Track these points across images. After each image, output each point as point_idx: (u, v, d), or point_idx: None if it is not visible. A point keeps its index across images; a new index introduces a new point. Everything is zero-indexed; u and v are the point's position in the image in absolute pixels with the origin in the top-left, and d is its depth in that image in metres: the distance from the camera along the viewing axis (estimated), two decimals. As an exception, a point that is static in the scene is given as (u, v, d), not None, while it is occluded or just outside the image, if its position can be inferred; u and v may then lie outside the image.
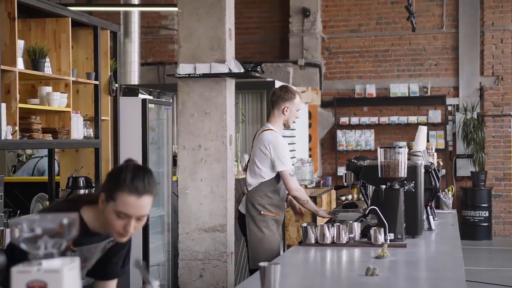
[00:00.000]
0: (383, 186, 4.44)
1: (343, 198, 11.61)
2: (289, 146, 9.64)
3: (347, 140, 13.03)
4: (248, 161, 5.41)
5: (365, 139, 12.96)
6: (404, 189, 4.49)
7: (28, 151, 9.72)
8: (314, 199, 9.43)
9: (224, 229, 5.60)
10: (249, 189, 5.22)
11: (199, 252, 5.62)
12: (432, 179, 5.10)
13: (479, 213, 12.30)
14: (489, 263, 10.72)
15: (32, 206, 5.96)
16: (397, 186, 4.45)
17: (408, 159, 5.05)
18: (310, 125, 12.49)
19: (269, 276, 2.77)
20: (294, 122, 5.39)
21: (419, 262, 4.03)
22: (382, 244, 4.04)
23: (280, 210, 5.30)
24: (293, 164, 10.25)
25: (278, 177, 5.19)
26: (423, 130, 5.59)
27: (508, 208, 12.71)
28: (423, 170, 4.79)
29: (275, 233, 5.23)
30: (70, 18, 5.31)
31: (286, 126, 5.35)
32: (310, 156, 12.22)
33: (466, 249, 11.34)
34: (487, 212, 12.32)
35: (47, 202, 5.55)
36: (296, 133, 10.79)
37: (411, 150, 5.33)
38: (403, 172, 4.44)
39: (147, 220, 6.30)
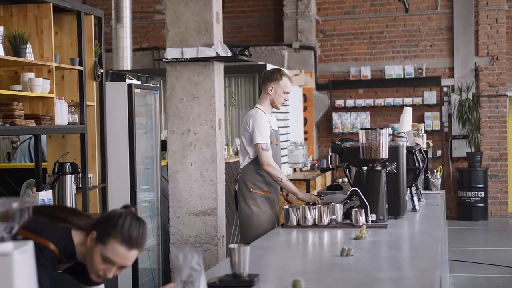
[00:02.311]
0: (365, 168, 4.45)
1: (340, 180, 11.60)
2: (283, 129, 9.68)
3: (343, 122, 13.01)
4: None
5: (360, 121, 12.94)
6: (386, 170, 4.49)
7: (22, 138, 9.73)
8: (307, 182, 9.45)
9: (214, 213, 5.61)
10: (241, 167, 5.27)
11: (190, 236, 5.64)
12: (416, 160, 5.10)
13: (475, 194, 12.30)
14: (486, 243, 10.73)
15: (22, 192, 5.97)
16: (378, 167, 4.46)
17: (392, 140, 5.05)
18: (305, 108, 12.47)
19: (238, 258, 2.79)
20: (283, 104, 5.38)
21: (397, 243, 4.04)
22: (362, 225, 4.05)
23: (273, 188, 5.29)
24: (285, 148, 10.26)
25: None
26: (408, 111, 5.60)
27: (504, 188, 12.71)
28: (405, 151, 4.78)
29: (265, 211, 5.21)
30: (51, 4, 5.29)
31: (274, 106, 5.34)
32: (306, 139, 12.22)
33: (463, 230, 11.40)
34: (483, 192, 12.32)
35: (34, 188, 5.56)
36: (290, 116, 10.76)
37: (395, 131, 5.34)
38: (384, 153, 4.44)
39: (136, 204, 6.34)
